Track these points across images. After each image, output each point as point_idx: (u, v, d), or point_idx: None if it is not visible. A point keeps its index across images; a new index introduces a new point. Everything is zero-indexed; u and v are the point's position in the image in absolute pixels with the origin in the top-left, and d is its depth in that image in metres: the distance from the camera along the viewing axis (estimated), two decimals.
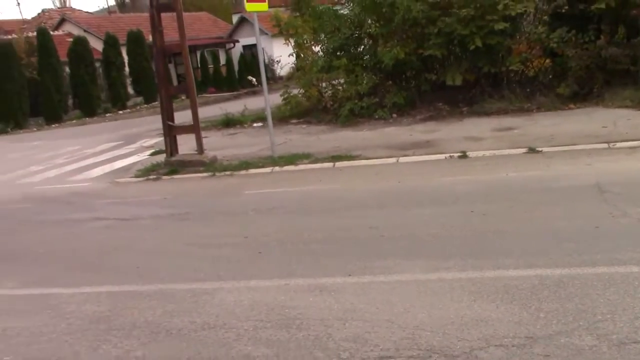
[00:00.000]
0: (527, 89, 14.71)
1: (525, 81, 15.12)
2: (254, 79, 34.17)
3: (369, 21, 16.30)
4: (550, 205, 7.19)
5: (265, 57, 33.79)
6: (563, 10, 14.55)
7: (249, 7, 12.03)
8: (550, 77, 15.01)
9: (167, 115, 12.71)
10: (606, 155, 9.51)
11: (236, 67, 38.34)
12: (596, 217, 6.51)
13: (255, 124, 17.52)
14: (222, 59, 39.43)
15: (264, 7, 12.45)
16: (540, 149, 10.26)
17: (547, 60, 15.09)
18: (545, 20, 15.35)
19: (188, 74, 12.66)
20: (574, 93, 14.08)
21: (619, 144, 10.00)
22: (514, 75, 15.23)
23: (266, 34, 32.75)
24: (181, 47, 12.43)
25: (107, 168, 13.92)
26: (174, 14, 12.30)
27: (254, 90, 32.66)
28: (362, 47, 16.84)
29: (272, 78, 34.85)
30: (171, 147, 12.75)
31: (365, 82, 15.70)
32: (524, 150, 10.37)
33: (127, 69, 33.55)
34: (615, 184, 7.72)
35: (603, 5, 13.66)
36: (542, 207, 7.18)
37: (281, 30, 18.35)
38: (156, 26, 12.37)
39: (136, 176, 12.55)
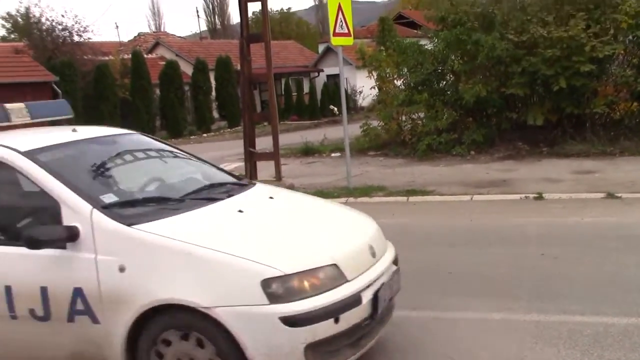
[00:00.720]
0: (611, 133, 14.44)
1: (610, 124, 14.84)
2: (336, 109, 34.69)
3: (452, 57, 16.41)
4: (623, 253, 7.08)
5: (348, 88, 34.35)
6: None
7: (335, 41, 12.40)
8: (637, 121, 14.68)
9: (249, 142, 13.15)
10: None
11: (319, 96, 39.03)
12: None
13: (333, 154, 17.83)
14: (306, 87, 40.25)
15: (349, 41, 12.80)
16: (619, 195, 10.06)
17: (635, 104, 14.77)
18: (635, 64, 15.07)
19: (272, 104, 13.09)
20: None
21: None
22: (598, 117, 14.97)
23: (350, 64, 33.25)
24: (267, 76, 12.90)
25: None
26: (263, 43, 12.83)
27: (335, 120, 33.11)
28: (444, 82, 16.95)
29: (354, 108, 35.28)
30: (251, 172, 13.16)
31: (445, 117, 15.79)
32: (602, 195, 10.19)
33: (213, 93, 34.74)
34: None
35: None
36: (615, 254, 7.08)
37: (365, 63, 18.68)
38: (245, 55, 12.88)
39: None
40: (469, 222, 9.38)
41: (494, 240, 8.16)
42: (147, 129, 30.61)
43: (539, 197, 10.46)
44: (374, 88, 19.24)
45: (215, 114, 35.14)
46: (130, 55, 32.41)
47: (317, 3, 73.40)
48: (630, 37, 14.89)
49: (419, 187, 12.04)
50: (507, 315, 5.52)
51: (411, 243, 8.39)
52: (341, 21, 12.39)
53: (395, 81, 18.06)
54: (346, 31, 12.56)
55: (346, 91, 33.75)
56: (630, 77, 14.55)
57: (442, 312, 5.74)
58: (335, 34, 12.30)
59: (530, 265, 6.88)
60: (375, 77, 18.59)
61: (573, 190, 10.75)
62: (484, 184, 12.00)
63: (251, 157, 13.22)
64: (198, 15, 62.80)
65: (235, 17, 68.74)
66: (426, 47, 17.17)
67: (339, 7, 12.38)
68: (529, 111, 15.19)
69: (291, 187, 12.79)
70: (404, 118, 17.37)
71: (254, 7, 15.94)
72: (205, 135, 32.50)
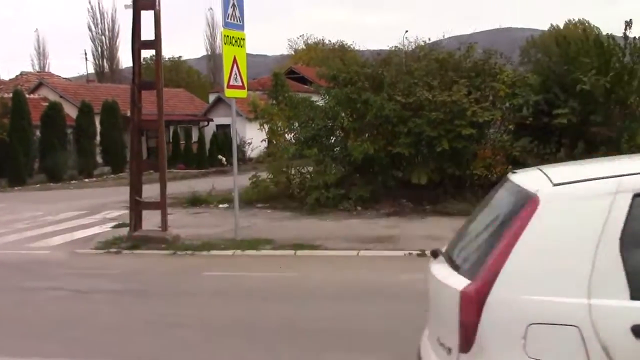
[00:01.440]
0: (488, 193, 15.17)
1: (488, 185, 15.55)
2: (224, 159, 34.55)
3: (342, 115, 16.83)
4: None
5: (238, 139, 34.33)
6: (528, 122, 15.22)
7: (229, 93, 12.43)
8: None
9: (135, 190, 12.80)
10: None
11: (207, 146, 38.75)
12: None
13: (221, 205, 17.63)
14: (195, 136, 39.90)
15: (243, 94, 12.87)
16: None
17: (510, 167, 15.61)
18: (511, 129, 16.04)
19: (161, 152, 12.84)
20: None
21: None
22: (477, 179, 15.71)
23: (241, 115, 33.33)
24: (158, 124, 12.69)
25: (68, 237, 13.83)
26: (154, 90, 12.66)
27: (223, 170, 32.93)
28: (334, 138, 17.30)
29: (242, 159, 35.21)
30: (135, 221, 12.78)
31: (333, 172, 16.05)
32: None
33: (98, 138, 33.72)
34: None
35: (565, 121, 14.40)
36: None
37: (257, 116, 18.79)
38: (135, 102, 12.63)
39: (97, 248, 12.49)
40: (356, 277, 9.48)
41: (379, 296, 8.28)
42: (24, 172, 29.23)
43: (422, 254, 10.75)
44: (264, 141, 19.35)
45: (99, 159, 34.04)
46: (10, 95, 30.99)
47: (209, 53, 73.37)
48: (507, 105, 15.86)
49: (306, 242, 12.09)
50: None
51: (297, 297, 8.38)
52: (236, 74, 12.45)
53: (286, 135, 18.26)
54: (240, 84, 12.62)
55: (236, 141, 33.67)
56: (507, 141, 15.48)
57: None
58: (229, 86, 12.33)
59: (417, 322, 7.00)
60: (267, 130, 18.73)
61: None
62: (369, 239, 12.22)
63: (137, 206, 12.84)
64: (86, 58, 61.20)
65: (124, 62, 67.38)
66: (317, 103, 17.53)
67: (234, 60, 12.46)
68: (414, 170, 15.73)
69: (177, 238, 12.54)
70: (293, 172, 17.52)
71: (145, 54, 15.73)
72: (87, 180, 31.32)
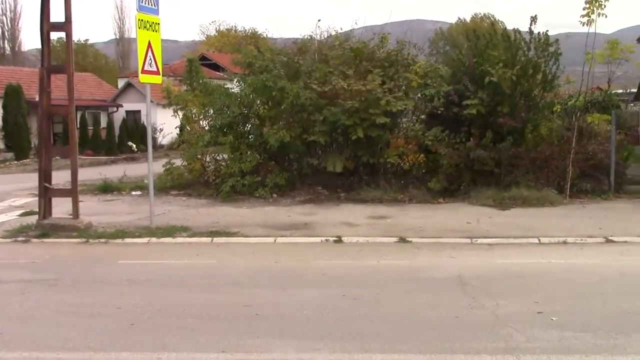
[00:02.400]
0: (401, 181, 15.58)
1: (400, 173, 15.98)
2: (134, 146, 33.74)
3: (258, 102, 16.82)
4: (416, 294, 7.65)
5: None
6: (439, 112, 15.67)
7: (143, 78, 12.18)
8: (423, 171, 15.94)
9: (45, 177, 12.38)
10: (468, 250, 10.23)
11: (117, 132, 37.74)
12: (456, 307, 7.00)
13: (134, 192, 17.29)
14: (103, 122, 38.76)
15: (157, 79, 12.65)
16: (410, 239, 10.87)
17: (422, 156, 16.04)
18: (423, 119, 16.49)
19: (72, 138, 12.48)
20: (444, 189, 15.10)
21: (480, 240, 10.79)
22: (391, 167, 16.06)
23: (152, 101, 32.64)
24: (68, 110, 12.31)
25: None
26: (62, 75, 12.27)
27: (133, 157, 32.20)
28: (249, 126, 17.26)
29: (154, 146, 34.51)
30: (45, 209, 12.38)
31: (249, 160, 16.03)
32: (395, 239, 10.94)
33: (0, 122, 32.28)
34: (475, 277, 8.34)
35: (474, 111, 14.95)
36: (408, 295, 7.62)
37: (170, 102, 18.48)
38: (44, 87, 12.21)
39: (3, 237, 12.02)
40: (273, 263, 9.56)
41: (298, 282, 8.40)
42: None
43: (339, 241, 10.97)
44: (178, 127, 19.05)
45: (1, 145, 32.58)
46: None
47: (117, 37, 71.27)
48: (419, 95, 16.29)
49: (222, 229, 12.07)
50: (313, 356, 5.69)
51: (216, 284, 8.39)
52: (150, 59, 12.23)
53: (201, 122, 18.04)
54: (155, 69, 12.40)
55: (146, 128, 33.04)
56: (419, 131, 15.90)
57: (251, 354, 5.77)
58: (144, 71, 12.09)
59: (332, 306, 7.17)
60: (181, 116, 18.46)
61: (369, 234, 11.42)
62: (286, 226, 12.32)
63: (46, 193, 12.43)
64: None
65: (27, 44, 64.70)
66: (232, 90, 17.42)
67: (149, 45, 12.22)
68: (329, 158, 15.92)
69: (89, 226, 12.24)
70: (208, 159, 17.37)
71: (53, 36, 15.21)
72: None
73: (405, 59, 16.69)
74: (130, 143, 35.42)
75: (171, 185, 17.32)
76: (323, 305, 7.22)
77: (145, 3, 12.19)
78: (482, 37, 16.13)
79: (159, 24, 12.56)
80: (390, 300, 7.45)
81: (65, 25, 12.28)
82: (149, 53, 12.27)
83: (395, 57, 16.56)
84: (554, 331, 6.16)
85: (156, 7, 12.50)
